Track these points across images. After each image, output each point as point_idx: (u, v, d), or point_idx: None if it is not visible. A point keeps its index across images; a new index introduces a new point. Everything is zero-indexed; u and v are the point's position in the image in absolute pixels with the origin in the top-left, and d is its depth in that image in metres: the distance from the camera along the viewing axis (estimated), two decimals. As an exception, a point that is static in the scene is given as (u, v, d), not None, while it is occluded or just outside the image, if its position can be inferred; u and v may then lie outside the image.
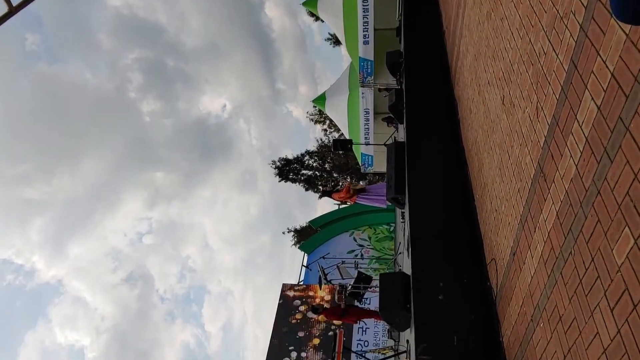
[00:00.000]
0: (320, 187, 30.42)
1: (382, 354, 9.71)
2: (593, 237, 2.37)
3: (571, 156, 2.63)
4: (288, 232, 31.04)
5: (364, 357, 8.66)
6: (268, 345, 14.27)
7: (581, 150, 2.49)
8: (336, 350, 6.47)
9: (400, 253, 10.57)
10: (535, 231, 3.33)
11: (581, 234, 2.51)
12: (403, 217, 8.65)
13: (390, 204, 8.94)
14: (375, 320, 11.82)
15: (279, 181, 32.19)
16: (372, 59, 13.13)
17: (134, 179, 60.59)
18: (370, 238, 17.19)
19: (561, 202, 2.79)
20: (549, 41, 2.97)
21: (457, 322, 4.70)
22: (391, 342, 10.09)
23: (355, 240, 17.09)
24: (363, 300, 10.18)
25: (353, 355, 11.00)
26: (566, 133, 2.69)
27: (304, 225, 29.58)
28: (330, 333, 13.97)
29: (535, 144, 3.31)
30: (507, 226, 4.15)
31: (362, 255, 15.69)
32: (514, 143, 3.88)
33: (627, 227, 2.02)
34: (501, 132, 4.34)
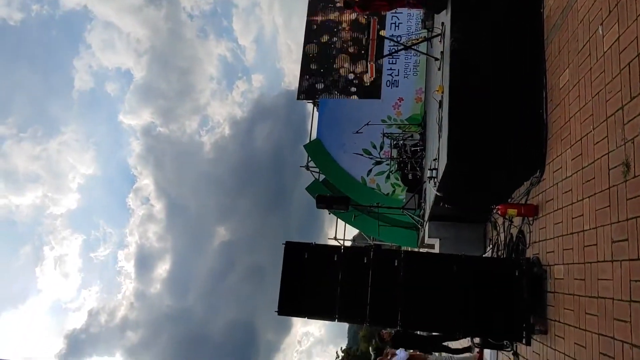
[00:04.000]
0: None
1: (414, 43, 9.80)
2: None
3: None
4: None
5: (397, 42, 8.72)
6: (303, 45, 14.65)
7: None
8: (370, 37, 6.51)
9: None
10: None
11: None
12: None
13: None
14: (409, 9, 11.50)
15: None
16: None
17: None
18: None
19: None
20: None
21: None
22: (424, 33, 10.05)
23: None
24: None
25: (386, 43, 11.17)
26: None
27: None
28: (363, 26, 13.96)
29: None
30: None
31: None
32: None
33: None
34: None
